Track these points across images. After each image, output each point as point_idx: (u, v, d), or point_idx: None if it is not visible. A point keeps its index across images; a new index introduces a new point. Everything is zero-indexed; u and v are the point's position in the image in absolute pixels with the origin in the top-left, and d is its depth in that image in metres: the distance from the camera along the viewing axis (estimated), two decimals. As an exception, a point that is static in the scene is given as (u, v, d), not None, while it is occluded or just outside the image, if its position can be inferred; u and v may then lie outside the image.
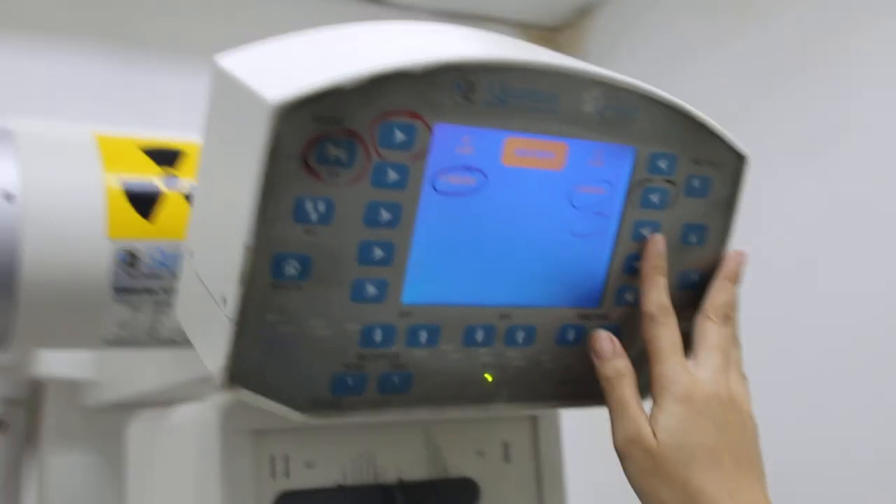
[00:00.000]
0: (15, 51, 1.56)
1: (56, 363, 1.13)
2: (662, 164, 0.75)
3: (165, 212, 0.83)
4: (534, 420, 0.89)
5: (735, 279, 0.81)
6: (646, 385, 0.77)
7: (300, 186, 0.64)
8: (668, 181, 0.76)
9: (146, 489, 0.92)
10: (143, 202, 0.82)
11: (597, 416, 0.80)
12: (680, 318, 0.78)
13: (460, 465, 0.85)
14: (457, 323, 0.72)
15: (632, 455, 0.73)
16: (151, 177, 0.84)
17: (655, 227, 0.77)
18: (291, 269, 0.65)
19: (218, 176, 0.68)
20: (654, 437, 0.72)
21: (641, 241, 0.77)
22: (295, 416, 0.68)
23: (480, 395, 0.75)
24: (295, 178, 0.63)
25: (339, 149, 0.64)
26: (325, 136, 0.63)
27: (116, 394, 1.08)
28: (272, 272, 0.65)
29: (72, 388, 1.15)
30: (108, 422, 1.13)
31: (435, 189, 0.68)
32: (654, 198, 0.76)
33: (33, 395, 1.20)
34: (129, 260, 0.81)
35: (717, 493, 0.71)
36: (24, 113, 0.87)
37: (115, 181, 0.82)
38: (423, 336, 0.71)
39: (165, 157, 0.86)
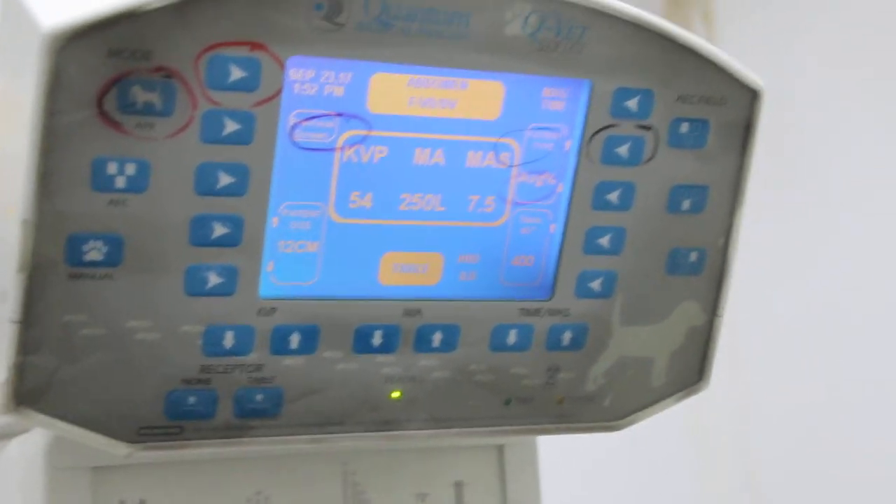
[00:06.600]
0: None
1: None
2: (632, 105, 0.57)
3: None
4: (499, 450, 0.67)
5: None
6: (617, 406, 0.61)
7: (98, 143, 0.48)
8: (643, 127, 0.58)
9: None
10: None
11: (585, 445, 0.62)
12: (671, 314, 0.61)
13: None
14: (342, 322, 0.55)
15: None
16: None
17: (627, 191, 0.59)
18: (94, 252, 0.49)
19: (1, 131, 0.52)
20: None
21: (607, 210, 0.59)
22: (116, 448, 0.52)
23: (386, 420, 0.58)
24: (90, 133, 0.47)
25: (151, 92, 0.48)
26: (127, 76, 0.47)
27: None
28: (67, 258, 0.49)
29: None
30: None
31: (294, 143, 0.52)
32: (623, 150, 0.58)
33: None
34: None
35: None
36: None
37: None
38: (295, 340, 0.54)
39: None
